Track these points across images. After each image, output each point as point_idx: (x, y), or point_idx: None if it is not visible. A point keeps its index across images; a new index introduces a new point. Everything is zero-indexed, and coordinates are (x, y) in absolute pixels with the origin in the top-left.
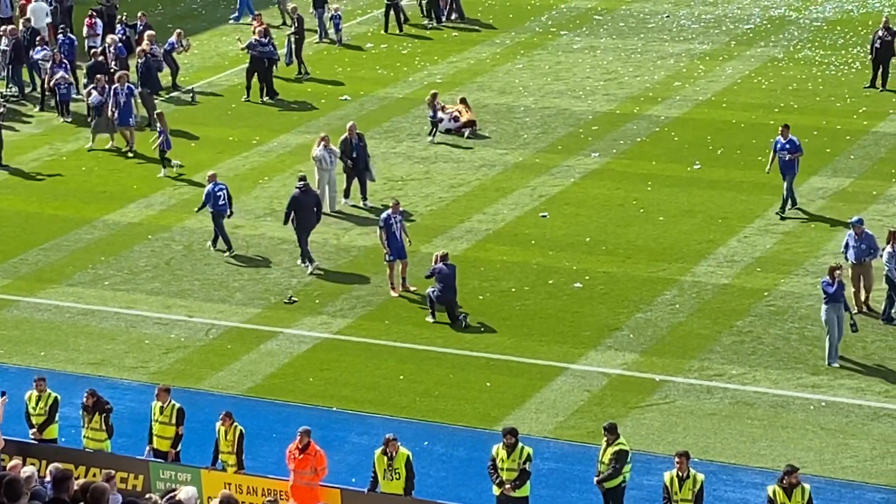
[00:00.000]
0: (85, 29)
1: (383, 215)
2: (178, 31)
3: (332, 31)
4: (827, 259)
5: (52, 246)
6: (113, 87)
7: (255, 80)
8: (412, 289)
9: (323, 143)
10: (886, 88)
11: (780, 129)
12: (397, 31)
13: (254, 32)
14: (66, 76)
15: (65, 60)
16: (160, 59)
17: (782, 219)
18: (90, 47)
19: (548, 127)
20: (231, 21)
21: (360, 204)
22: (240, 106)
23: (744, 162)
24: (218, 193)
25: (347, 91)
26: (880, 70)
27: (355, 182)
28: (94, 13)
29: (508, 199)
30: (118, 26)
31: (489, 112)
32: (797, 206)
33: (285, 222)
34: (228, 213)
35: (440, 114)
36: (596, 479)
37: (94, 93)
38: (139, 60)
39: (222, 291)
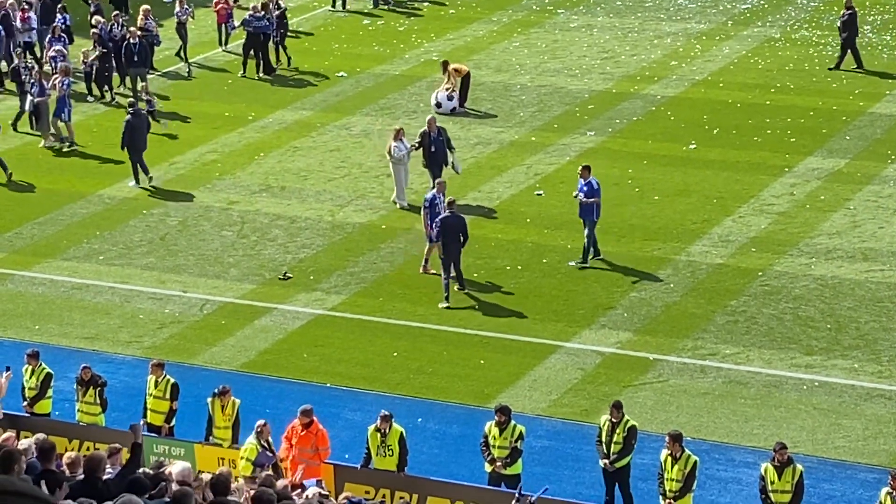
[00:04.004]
0: (19, 23)
1: (428, 195)
2: None
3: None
4: (822, 240)
5: (48, 220)
6: (52, 81)
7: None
8: (432, 272)
9: (398, 136)
10: (863, 67)
11: (579, 169)
12: (341, 9)
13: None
14: (63, 50)
15: (62, 34)
16: (156, 35)
17: (581, 268)
18: (26, 42)
19: (544, 105)
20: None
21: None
22: (236, 81)
23: (739, 142)
24: None
25: (344, 68)
26: (848, 52)
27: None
28: (28, 6)
29: (504, 177)
30: (58, 15)
31: (485, 90)
32: (600, 256)
33: (122, 147)
34: None
35: (443, 93)
36: (609, 461)
37: (36, 88)
38: (132, 40)
39: (217, 267)
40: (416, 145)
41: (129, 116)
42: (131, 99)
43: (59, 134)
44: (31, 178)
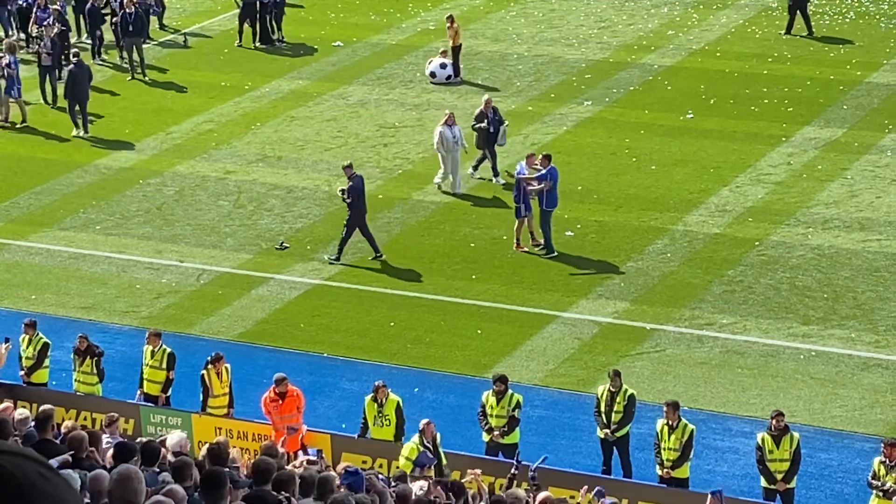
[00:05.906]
0: None
1: (518, 167)
2: None
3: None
4: (819, 209)
5: (44, 190)
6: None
7: (246, 25)
8: (524, 250)
9: (447, 122)
10: (813, 34)
11: (540, 158)
12: None
13: None
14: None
15: (49, 6)
16: (152, 5)
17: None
18: None
19: (541, 75)
20: None
21: (494, 181)
22: (232, 51)
23: (736, 111)
24: None
25: (340, 37)
26: (797, 15)
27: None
28: None
29: (501, 147)
30: None
31: (482, 59)
32: (553, 254)
33: (65, 95)
34: None
35: (437, 60)
36: (610, 430)
37: None
38: (127, 10)
39: (214, 237)
40: (474, 127)
41: (71, 66)
42: (75, 50)
43: (8, 112)
44: (27, 148)
